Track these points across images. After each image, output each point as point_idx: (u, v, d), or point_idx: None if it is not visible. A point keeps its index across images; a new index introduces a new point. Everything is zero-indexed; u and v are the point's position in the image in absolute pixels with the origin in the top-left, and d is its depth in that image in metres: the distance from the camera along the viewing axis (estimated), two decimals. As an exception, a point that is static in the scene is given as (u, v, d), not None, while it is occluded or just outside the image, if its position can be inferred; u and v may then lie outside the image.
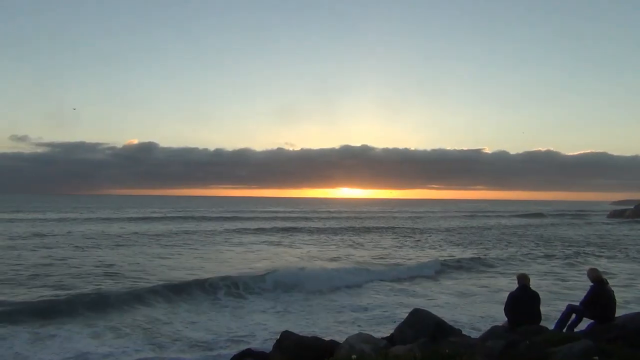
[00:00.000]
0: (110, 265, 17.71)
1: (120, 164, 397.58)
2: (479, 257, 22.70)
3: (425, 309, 8.47)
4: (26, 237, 29.28)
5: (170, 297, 12.85)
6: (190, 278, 15.38)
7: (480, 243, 31.71)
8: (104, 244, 26.64)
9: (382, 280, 16.88)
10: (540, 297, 7.74)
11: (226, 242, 29.44)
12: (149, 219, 51.29)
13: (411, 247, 28.70)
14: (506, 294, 7.83)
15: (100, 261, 19.23)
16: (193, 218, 54.69)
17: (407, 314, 8.09)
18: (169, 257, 21.69)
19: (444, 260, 21.28)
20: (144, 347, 8.87)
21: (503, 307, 7.88)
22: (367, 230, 41.51)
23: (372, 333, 8.65)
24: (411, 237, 36.12)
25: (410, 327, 7.54)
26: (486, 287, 16.18)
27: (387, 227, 45.36)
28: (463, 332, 7.99)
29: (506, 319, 7.77)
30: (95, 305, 11.58)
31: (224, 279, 14.77)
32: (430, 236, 36.82)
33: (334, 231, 40.08)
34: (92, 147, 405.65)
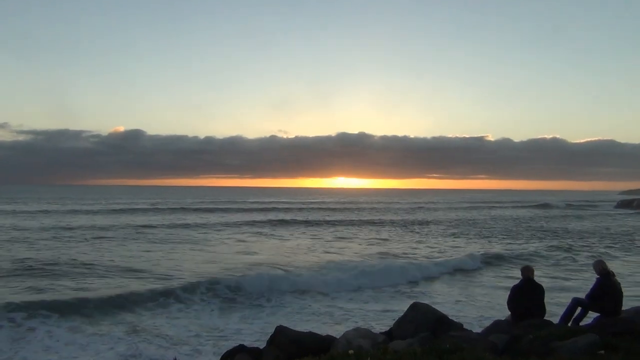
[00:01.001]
0: (90, 265, 17.17)
1: (105, 152, 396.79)
2: (504, 252, 22.71)
3: (424, 302, 8.59)
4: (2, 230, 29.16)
5: (157, 298, 12.58)
6: (177, 276, 15.20)
7: (491, 235, 32.04)
8: (83, 236, 26.49)
9: (432, 277, 16.96)
10: (545, 289, 7.78)
11: (218, 235, 29.32)
12: (135, 211, 51.11)
13: (430, 240, 28.74)
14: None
15: (73, 258, 18.79)
16: (182, 209, 54.57)
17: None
18: (154, 251, 21.66)
19: (484, 254, 21.52)
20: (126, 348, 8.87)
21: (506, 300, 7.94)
22: (376, 223, 41.31)
23: (370, 328, 8.72)
24: (420, 229, 36.22)
25: (409, 321, 7.60)
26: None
27: (395, 220, 45.37)
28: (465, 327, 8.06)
29: (509, 312, 7.80)
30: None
31: (213, 281, 14.10)
32: (443, 228, 37.00)
33: (336, 223, 40.06)
34: (76, 135, 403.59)
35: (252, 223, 37.84)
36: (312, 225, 37.88)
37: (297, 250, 22.78)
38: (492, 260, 20.40)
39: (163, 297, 12.54)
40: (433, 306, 8.05)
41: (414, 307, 7.75)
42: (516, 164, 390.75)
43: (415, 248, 24.89)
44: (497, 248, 24.96)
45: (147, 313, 11.54)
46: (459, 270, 18.19)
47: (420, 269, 17.71)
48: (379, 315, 12.16)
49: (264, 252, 21.90)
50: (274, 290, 14.04)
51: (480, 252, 22.19)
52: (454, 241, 28.63)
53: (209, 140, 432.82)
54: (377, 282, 15.44)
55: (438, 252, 23.15)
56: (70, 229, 30.74)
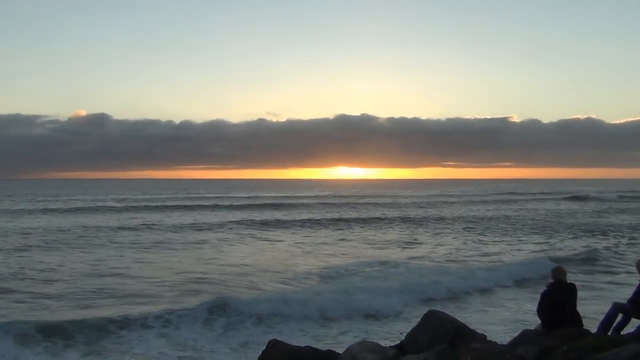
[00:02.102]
0: (43, 279, 16.76)
1: (64, 140, 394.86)
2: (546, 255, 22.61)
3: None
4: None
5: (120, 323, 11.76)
6: (143, 294, 14.83)
7: (523, 234, 32.17)
8: (36, 241, 26.36)
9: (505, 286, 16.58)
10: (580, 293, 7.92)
11: (196, 238, 29.25)
12: (99, 209, 51.27)
13: (452, 240, 28.87)
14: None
15: (22, 267, 18.52)
16: (155, 207, 54.76)
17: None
18: (120, 259, 21.57)
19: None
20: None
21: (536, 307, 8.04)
22: (384, 221, 41.39)
23: (378, 341, 8.80)
24: (437, 227, 36.46)
25: (424, 332, 7.67)
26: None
27: (407, 216, 45.58)
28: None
29: (539, 321, 7.89)
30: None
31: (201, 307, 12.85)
32: (464, 226, 37.22)
33: (337, 222, 40.17)
34: (30, 121, 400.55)
35: (238, 223, 37.90)
36: (309, 225, 37.96)
37: (293, 257, 22.61)
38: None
39: (125, 324, 11.70)
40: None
41: (429, 315, 7.82)
42: (545, 149, 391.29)
43: (432, 251, 24.80)
44: (533, 249, 25.09)
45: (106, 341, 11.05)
46: (523, 280, 17.30)
47: (455, 280, 16.42)
48: (389, 325, 12.24)
49: (250, 259, 21.65)
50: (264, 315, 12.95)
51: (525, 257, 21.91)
52: (481, 241, 28.85)
53: (186, 125, 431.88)
54: (397, 299, 14.08)
55: (468, 256, 23.07)
56: (22, 233, 30.47)
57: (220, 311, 12.68)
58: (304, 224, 38.51)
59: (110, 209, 51.70)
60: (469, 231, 33.79)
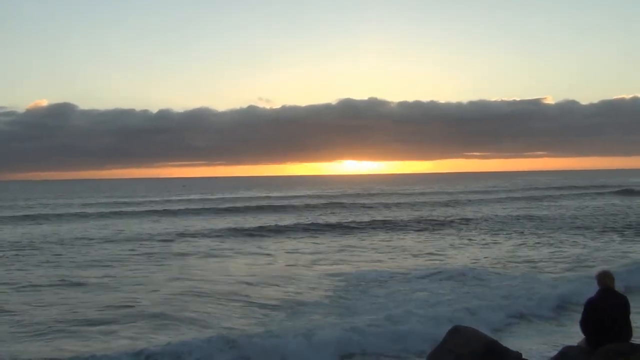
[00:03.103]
0: None
1: (22, 135, 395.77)
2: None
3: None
4: None
5: None
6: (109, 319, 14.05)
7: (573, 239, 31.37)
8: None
9: None
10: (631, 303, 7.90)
11: (178, 250, 28.55)
12: (62, 217, 50.75)
13: (494, 247, 28.54)
14: None
15: None
16: (130, 213, 54.33)
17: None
18: (81, 278, 21.30)
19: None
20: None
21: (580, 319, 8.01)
22: (400, 224, 40.98)
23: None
24: (464, 230, 36.40)
25: (449, 351, 7.72)
26: None
27: (430, 218, 45.43)
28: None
29: (583, 335, 7.90)
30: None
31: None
32: (497, 228, 37.19)
33: (346, 227, 39.80)
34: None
35: (227, 231, 37.03)
36: (313, 230, 37.60)
37: (304, 279, 21.19)
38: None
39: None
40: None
41: (455, 331, 7.84)
42: (584, 136, 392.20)
43: (476, 260, 24.39)
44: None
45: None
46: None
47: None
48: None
49: (250, 279, 20.47)
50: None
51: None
52: (531, 244, 28.68)
53: (165, 115, 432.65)
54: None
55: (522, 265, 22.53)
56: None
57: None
58: (308, 229, 38.03)
59: (72, 217, 50.84)
60: (508, 234, 33.72)
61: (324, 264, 23.41)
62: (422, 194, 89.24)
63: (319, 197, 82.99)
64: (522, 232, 34.14)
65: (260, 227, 39.04)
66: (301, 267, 22.77)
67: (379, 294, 17.06)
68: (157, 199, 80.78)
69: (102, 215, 51.06)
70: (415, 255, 25.79)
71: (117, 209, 58.43)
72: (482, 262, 23.53)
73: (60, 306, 15.60)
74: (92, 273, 21.17)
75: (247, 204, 65.99)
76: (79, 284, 18.86)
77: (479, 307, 14.36)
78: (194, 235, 34.98)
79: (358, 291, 17.48)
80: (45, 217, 49.58)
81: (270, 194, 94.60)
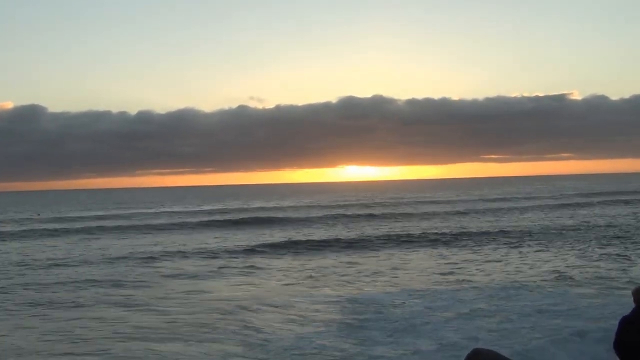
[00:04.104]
0: None
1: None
2: None
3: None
4: None
5: None
6: None
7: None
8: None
9: None
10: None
11: (158, 272, 27.64)
12: (30, 234, 50.01)
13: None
14: None
15: None
16: (102, 228, 53.36)
17: None
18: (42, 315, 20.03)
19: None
20: None
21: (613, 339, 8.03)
22: (417, 238, 40.29)
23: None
24: (491, 245, 35.65)
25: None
26: None
27: (448, 231, 44.59)
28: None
29: (617, 357, 7.99)
30: None
31: None
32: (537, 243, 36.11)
33: (358, 243, 39.00)
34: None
35: (220, 251, 35.76)
36: (314, 247, 36.86)
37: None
38: None
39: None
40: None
41: (476, 355, 8.06)
42: (616, 134, 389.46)
43: (519, 270, 24.24)
44: None
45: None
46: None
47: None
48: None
49: (245, 303, 19.77)
50: None
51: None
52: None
53: (145, 117, 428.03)
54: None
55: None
56: None
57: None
58: (309, 246, 37.39)
59: (47, 233, 49.99)
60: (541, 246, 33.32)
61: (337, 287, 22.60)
62: (435, 202, 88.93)
63: (320, 207, 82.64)
64: (555, 243, 34.09)
65: (254, 244, 38.27)
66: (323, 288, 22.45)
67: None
68: (137, 211, 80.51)
69: (77, 232, 50.20)
70: (442, 274, 25.39)
71: (93, 224, 57.84)
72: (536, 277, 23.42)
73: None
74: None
75: (241, 215, 65.12)
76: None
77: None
78: (174, 254, 34.02)
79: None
80: (10, 235, 48.85)
81: (266, 204, 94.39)
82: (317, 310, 18.41)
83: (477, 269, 26.54)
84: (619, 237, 37.16)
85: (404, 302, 19.24)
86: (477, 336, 14.47)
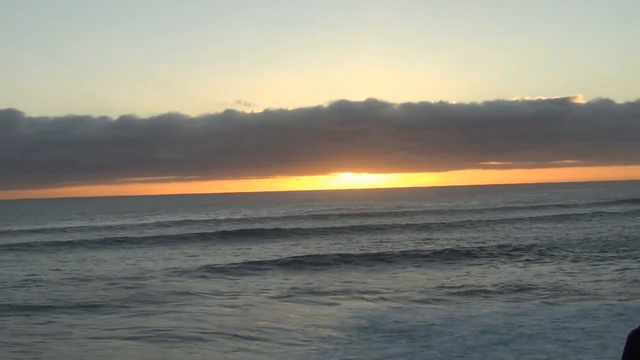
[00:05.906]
0: None
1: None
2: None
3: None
4: None
5: None
6: None
7: None
8: None
9: None
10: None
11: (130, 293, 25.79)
12: (10, 248, 48.02)
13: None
14: None
15: None
16: (95, 243, 51.14)
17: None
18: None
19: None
20: None
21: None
22: (422, 253, 38.83)
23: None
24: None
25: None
26: None
27: (456, 243, 44.17)
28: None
29: None
30: None
31: None
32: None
33: (357, 258, 37.64)
34: None
35: (206, 269, 33.89)
36: (313, 263, 35.26)
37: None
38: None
39: None
40: None
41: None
42: (621, 139, 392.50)
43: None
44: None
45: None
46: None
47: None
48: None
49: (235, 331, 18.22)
50: None
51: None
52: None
53: (127, 123, 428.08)
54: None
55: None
56: None
57: None
58: (305, 261, 35.86)
59: (23, 248, 47.80)
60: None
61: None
62: (439, 212, 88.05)
63: (312, 217, 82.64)
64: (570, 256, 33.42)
65: (234, 261, 36.93)
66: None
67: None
68: (116, 223, 79.20)
69: (54, 245, 48.66)
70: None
71: (70, 237, 56.17)
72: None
73: None
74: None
75: (239, 227, 64.45)
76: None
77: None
78: (171, 273, 32.44)
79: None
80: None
81: (256, 214, 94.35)
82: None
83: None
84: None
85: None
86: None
